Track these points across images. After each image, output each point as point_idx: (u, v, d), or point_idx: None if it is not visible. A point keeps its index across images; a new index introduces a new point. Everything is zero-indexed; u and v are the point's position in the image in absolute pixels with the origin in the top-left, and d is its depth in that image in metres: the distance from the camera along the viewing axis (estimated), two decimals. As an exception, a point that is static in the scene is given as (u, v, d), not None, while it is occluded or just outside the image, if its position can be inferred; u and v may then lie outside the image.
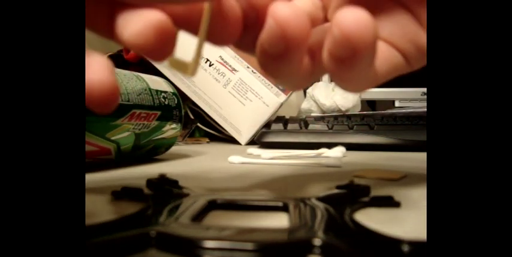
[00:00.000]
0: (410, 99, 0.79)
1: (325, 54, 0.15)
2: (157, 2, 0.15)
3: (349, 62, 0.14)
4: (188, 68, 0.16)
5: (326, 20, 0.19)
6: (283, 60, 0.15)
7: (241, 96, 0.55)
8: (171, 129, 0.37)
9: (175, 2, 0.15)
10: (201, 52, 0.16)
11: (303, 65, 0.17)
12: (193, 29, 0.16)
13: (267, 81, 0.55)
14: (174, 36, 0.15)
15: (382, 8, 0.18)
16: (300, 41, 0.14)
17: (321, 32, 0.17)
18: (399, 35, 0.17)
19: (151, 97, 0.34)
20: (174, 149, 0.52)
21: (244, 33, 0.16)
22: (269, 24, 0.14)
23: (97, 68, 0.14)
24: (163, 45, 0.15)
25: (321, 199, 0.18)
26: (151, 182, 0.21)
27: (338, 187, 0.20)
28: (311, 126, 0.53)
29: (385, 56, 0.17)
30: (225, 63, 0.55)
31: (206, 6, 0.15)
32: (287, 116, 0.61)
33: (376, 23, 0.14)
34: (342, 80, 0.16)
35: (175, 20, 0.15)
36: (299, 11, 0.14)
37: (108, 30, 0.16)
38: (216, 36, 0.16)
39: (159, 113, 0.35)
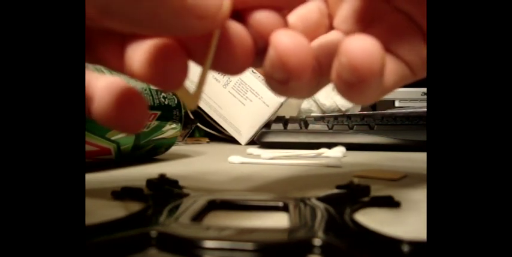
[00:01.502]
0: (410, 99, 0.79)
1: (333, 75, 0.15)
2: (169, 34, 0.14)
3: (357, 87, 0.14)
4: (191, 99, 0.15)
5: (332, 27, 0.19)
6: (288, 84, 0.15)
7: (241, 96, 0.55)
8: (171, 129, 0.37)
9: (186, 32, 0.13)
10: (204, 83, 0.15)
11: (311, 82, 0.17)
12: (199, 59, 0.15)
13: (267, 81, 0.55)
14: (184, 64, 0.14)
15: (388, 19, 0.17)
16: (302, 70, 0.14)
17: (328, 46, 0.18)
18: (404, 47, 0.17)
19: (151, 97, 0.34)
20: (174, 149, 0.52)
21: (256, 58, 0.16)
22: (271, 54, 0.14)
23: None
24: (173, 73, 0.14)
25: (321, 199, 0.18)
26: (151, 182, 0.21)
27: (338, 187, 0.20)
28: (311, 126, 0.53)
29: (392, 69, 0.17)
30: (225, 63, 0.55)
31: (214, 36, 0.14)
32: (287, 116, 0.61)
33: (383, 51, 0.14)
34: (350, 98, 0.16)
35: (185, 49, 0.14)
36: (300, 40, 0.14)
37: (120, 65, 0.15)
38: (227, 67, 0.15)
39: (159, 113, 0.35)
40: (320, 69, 0.17)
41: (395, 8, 0.17)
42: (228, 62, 0.15)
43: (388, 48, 0.17)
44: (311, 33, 0.18)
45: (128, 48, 0.15)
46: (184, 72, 0.14)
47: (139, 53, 0.14)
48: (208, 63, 0.14)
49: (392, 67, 0.17)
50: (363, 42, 0.13)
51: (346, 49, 0.13)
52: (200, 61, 0.15)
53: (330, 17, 0.19)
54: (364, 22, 0.18)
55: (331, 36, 0.19)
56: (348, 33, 0.18)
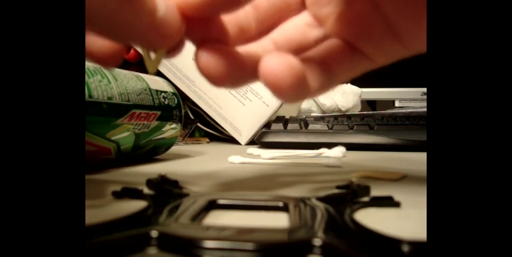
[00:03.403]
0: (410, 99, 0.79)
1: None
2: (139, 45, 0.15)
3: (279, 97, 0.16)
4: (149, 65, 0.17)
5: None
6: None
7: (241, 96, 0.55)
8: (171, 129, 0.37)
9: (152, 45, 0.16)
10: (162, 54, 0.16)
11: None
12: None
13: (267, 81, 0.55)
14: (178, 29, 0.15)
15: (353, 6, 0.18)
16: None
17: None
18: (366, 40, 0.18)
19: (151, 97, 0.34)
20: (174, 149, 0.52)
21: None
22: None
23: None
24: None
25: (321, 199, 0.18)
26: (151, 182, 0.21)
27: (338, 187, 0.20)
28: (311, 126, 0.53)
29: (347, 62, 0.18)
30: (225, 63, 0.55)
31: None
32: (287, 116, 0.61)
33: (296, 68, 0.15)
34: (283, 101, 0.18)
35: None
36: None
37: None
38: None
39: (159, 113, 0.35)
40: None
41: None
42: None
43: (345, 38, 0.18)
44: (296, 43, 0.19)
45: None
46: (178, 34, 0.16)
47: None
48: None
49: (347, 60, 0.18)
50: (273, 62, 0.15)
51: (260, 68, 0.15)
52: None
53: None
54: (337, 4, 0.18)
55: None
56: (316, 17, 0.19)
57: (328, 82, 0.18)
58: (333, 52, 0.19)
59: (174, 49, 0.17)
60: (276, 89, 0.15)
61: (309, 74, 0.17)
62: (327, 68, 0.18)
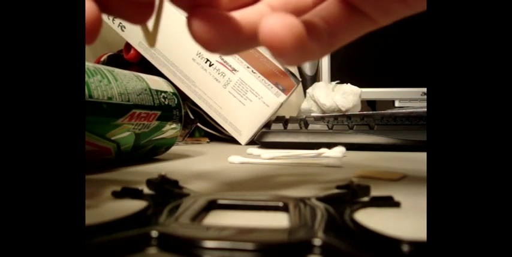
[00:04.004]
0: (410, 99, 0.79)
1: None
2: None
3: (280, 58, 0.15)
4: (150, 38, 0.17)
5: None
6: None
7: (241, 96, 0.55)
8: (171, 129, 0.37)
9: None
10: (159, 24, 0.17)
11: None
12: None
13: (267, 81, 0.55)
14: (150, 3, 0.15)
15: None
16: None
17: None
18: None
19: (151, 97, 0.34)
20: (174, 149, 0.52)
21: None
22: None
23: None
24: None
25: (321, 199, 0.18)
26: (151, 182, 0.21)
27: (338, 187, 0.20)
28: (311, 126, 0.53)
29: (347, 22, 0.18)
30: (225, 63, 0.55)
31: None
32: (287, 116, 0.61)
33: (297, 28, 0.15)
34: (285, 64, 0.17)
35: None
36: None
37: None
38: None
39: (159, 113, 0.35)
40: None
41: None
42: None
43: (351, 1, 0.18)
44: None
45: None
46: (151, 6, 0.16)
47: None
48: (161, 9, 0.17)
49: (349, 20, 0.18)
50: (274, 22, 0.14)
51: (260, 30, 0.15)
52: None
53: None
54: None
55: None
56: None
57: (329, 44, 0.18)
58: (333, 13, 0.18)
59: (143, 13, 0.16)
60: (277, 50, 0.15)
61: (310, 35, 0.17)
62: (327, 29, 0.18)
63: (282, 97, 0.54)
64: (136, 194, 0.20)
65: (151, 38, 0.17)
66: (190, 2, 0.16)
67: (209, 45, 0.16)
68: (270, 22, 0.14)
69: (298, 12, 0.18)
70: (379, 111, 0.58)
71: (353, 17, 0.18)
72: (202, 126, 0.66)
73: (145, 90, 0.34)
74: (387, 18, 0.18)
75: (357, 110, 0.64)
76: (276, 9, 0.18)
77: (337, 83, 0.66)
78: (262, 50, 0.61)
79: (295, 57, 0.15)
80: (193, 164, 0.36)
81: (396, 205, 0.19)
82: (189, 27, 0.16)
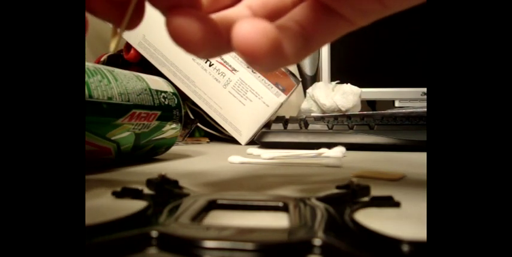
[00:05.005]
0: (410, 99, 0.79)
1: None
2: None
3: (253, 64, 0.15)
4: (113, 42, 0.17)
5: None
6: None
7: (241, 96, 0.55)
8: (171, 129, 0.37)
9: None
10: (122, 31, 0.17)
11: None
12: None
13: (267, 81, 0.55)
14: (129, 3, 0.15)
15: None
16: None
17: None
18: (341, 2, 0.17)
19: (151, 97, 0.34)
20: (174, 149, 0.52)
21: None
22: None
23: None
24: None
25: (321, 199, 0.18)
26: (151, 182, 0.21)
27: (338, 187, 0.20)
28: (311, 126, 0.53)
29: (324, 25, 0.17)
30: (225, 63, 0.55)
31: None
32: (287, 116, 0.61)
33: (271, 32, 0.14)
34: (259, 70, 0.16)
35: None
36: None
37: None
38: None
39: (159, 113, 0.35)
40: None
41: None
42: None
43: (324, 0, 0.17)
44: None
45: None
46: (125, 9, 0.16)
47: None
48: (125, 21, 0.17)
49: (323, 24, 0.18)
50: (247, 28, 0.14)
51: (233, 35, 0.14)
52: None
53: None
54: None
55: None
56: None
57: (306, 48, 0.18)
58: (308, 16, 0.18)
59: (132, 21, 0.16)
60: (250, 57, 0.14)
61: (285, 40, 0.16)
62: (303, 33, 0.17)
63: (282, 97, 0.54)
64: (136, 194, 0.20)
65: (114, 42, 0.17)
66: (170, 3, 0.15)
67: (188, 45, 0.15)
68: (243, 28, 0.14)
69: (277, 13, 0.18)
70: (379, 111, 0.58)
71: (329, 19, 0.18)
72: (202, 126, 0.66)
73: (145, 90, 0.34)
74: (364, 19, 0.18)
75: (357, 110, 0.64)
76: (255, 10, 0.18)
77: (337, 83, 0.66)
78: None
79: (269, 64, 0.15)
80: (193, 164, 0.36)
81: (396, 205, 0.19)
82: (168, 27, 0.15)
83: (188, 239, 0.12)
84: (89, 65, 0.30)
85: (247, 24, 0.14)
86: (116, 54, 0.66)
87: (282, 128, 0.53)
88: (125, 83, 0.32)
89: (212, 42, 0.16)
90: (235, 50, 0.15)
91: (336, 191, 0.20)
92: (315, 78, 0.79)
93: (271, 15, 0.18)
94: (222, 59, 0.55)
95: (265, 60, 0.15)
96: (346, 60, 0.80)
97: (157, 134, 0.35)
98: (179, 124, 0.38)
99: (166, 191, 0.20)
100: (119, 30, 0.17)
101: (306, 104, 0.66)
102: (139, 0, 0.16)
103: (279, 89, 0.55)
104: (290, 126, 0.53)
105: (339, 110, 0.62)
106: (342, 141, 0.49)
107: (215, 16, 0.17)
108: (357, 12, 0.17)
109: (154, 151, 0.37)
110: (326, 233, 0.13)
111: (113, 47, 0.17)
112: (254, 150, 0.43)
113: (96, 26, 0.78)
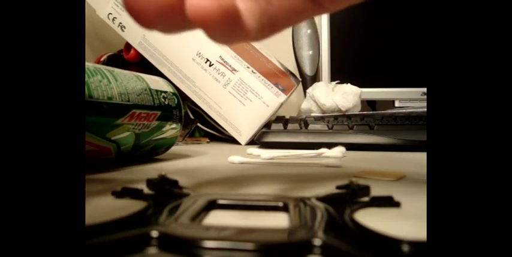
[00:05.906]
0: (410, 99, 0.79)
1: None
2: None
3: (210, 34, 0.15)
4: None
5: None
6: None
7: (241, 96, 0.55)
8: (171, 129, 0.37)
9: None
10: None
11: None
12: None
13: (267, 81, 0.55)
14: None
15: None
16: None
17: None
18: None
19: (151, 97, 0.34)
20: (174, 149, 0.52)
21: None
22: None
23: None
24: None
25: (321, 199, 0.18)
26: (151, 182, 0.21)
27: (338, 187, 0.20)
28: (311, 126, 0.53)
29: (290, 4, 0.17)
30: (225, 63, 0.55)
31: None
32: (287, 116, 0.61)
33: (223, 4, 0.14)
34: (220, 42, 0.16)
35: None
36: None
37: None
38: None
39: (159, 113, 0.35)
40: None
41: None
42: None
43: None
44: None
45: None
46: None
47: None
48: None
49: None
50: None
51: (186, 2, 0.14)
52: None
53: None
54: None
55: None
56: None
57: (270, 25, 0.17)
58: None
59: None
60: (204, 25, 0.14)
61: (246, 12, 0.16)
62: (270, 9, 0.17)
63: (282, 97, 0.54)
64: (136, 194, 0.20)
65: None
66: None
67: (142, 17, 0.15)
68: None
69: None
70: (379, 111, 0.58)
71: (299, 0, 0.17)
72: (202, 126, 0.66)
73: (145, 90, 0.34)
74: (335, 4, 0.17)
75: (357, 110, 0.64)
76: None
77: (337, 83, 0.66)
78: (262, 50, 0.61)
79: (224, 33, 0.15)
80: (193, 164, 0.36)
81: (396, 205, 0.19)
82: None
83: (188, 239, 0.12)
84: (89, 65, 0.30)
85: None
86: (115, 54, 0.66)
87: (282, 128, 0.53)
88: (125, 83, 0.32)
89: (168, 14, 0.15)
90: (187, 17, 0.14)
91: (336, 191, 0.20)
92: (315, 78, 0.79)
93: None
94: (222, 59, 0.55)
95: (217, 29, 0.14)
96: (346, 60, 0.80)
97: (157, 134, 0.35)
98: (179, 124, 0.38)
99: (166, 191, 0.20)
100: None
101: (306, 104, 0.66)
102: None
103: (279, 89, 0.55)
104: (290, 126, 0.53)
105: (339, 110, 0.62)
106: (342, 141, 0.49)
107: None
108: None
109: (154, 151, 0.37)
110: (326, 233, 0.13)
111: None
112: (254, 150, 0.43)
113: (96, 26, 0.78)
